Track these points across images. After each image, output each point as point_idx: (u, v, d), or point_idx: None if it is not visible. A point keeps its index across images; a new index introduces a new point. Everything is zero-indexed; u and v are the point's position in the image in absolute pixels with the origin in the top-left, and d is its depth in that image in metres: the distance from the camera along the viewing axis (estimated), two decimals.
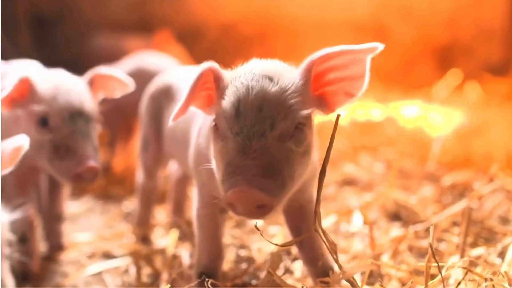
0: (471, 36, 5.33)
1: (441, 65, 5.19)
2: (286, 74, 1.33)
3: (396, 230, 2.17)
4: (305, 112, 1.29)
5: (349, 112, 3.97)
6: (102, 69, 1.98)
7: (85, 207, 2.68)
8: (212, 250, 1.61)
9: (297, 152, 1.29)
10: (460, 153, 3.10)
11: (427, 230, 2.02)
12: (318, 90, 1.35)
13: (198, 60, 1.99)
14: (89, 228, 2.42)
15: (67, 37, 5.36)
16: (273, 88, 1.28)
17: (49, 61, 2.31)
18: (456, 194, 2.50)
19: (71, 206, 2.59)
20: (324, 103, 1.36)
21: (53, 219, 2.23)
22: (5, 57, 2.63)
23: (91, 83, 1.96)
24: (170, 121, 1.39)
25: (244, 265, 1.89)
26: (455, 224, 2.14)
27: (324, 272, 1.53)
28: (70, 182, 1.86)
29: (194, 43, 5.21)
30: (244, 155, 1.24)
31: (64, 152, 1.80)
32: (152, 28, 5.23)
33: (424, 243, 1.99)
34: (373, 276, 1.81)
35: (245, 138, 1.25)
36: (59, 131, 1.81)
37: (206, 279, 1.45)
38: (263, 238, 1.44)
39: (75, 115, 1.83)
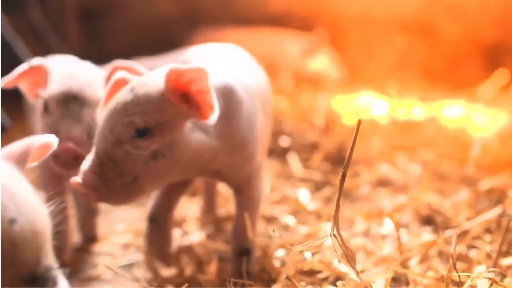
0: None
1: (488, 64, 5.05)
2: (149, 86, 1.54)
3: (427, 234, 2.14)
4: (150, 119, 1.50)
5: (390, 110, 3.92)
6: (120, 61, 1.97)
7: None
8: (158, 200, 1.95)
9: (139, 155, 1.53)
10: (502, 156, 3.02)
11: (458, 236, 1.98)
12: (192, 100, 1.52)
13: None
14: (124, 221, 2.46)
15: (114, 31, 5.45)
16: (126, 99, 1.52)
17: (97, 55, 2.35)
18: (493, 200, 2.44)
19: None
20: (200, 112, 1.53)
21: (88, 211, 2.27)
22: (53, 51, 2.70)
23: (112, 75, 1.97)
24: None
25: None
26: (488, 231, 2.09)
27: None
28: (54, 165, 1.80)
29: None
30: (93, 153, 1.55)
31: (53, 134, 1.81)
32: (199, 23, 5.27)
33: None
34: (400, 280, 1.80)
35: (96, 139, 1.56)
36: (54, 114, 1.84)
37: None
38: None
39: (70, 99, 1.83)
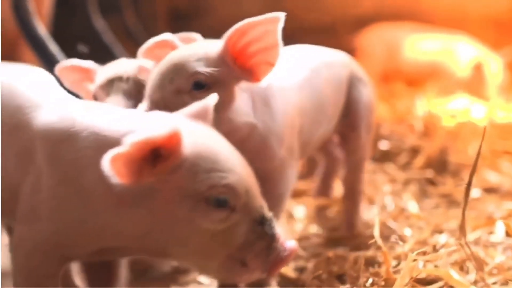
0: None
1: None
2: (206, 47, 1.60)
3: None
4: (210, 74, 1.54)
5: (488, 113, 3.78)
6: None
7: None
8: None
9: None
10: None
11: None
12: (246, 63, 1.59)
13: None
14: None
15: (202, 32, 5.53)
16: (187, 54, 1.58)
17: None
18: None
19: None
20: (252, 74, 1.59)
21: None
22: None
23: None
24: None
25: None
26: None
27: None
28: None
29: (328, 39, 5.18)
30: (147, 100, 1.57)
31: None
32: (285, 24, 5.29)
33: None
34: None
35: (152, 89, 1.57)
36: (99, 98, 1.79)
37: None
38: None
39: (115, 80, 1.77)
